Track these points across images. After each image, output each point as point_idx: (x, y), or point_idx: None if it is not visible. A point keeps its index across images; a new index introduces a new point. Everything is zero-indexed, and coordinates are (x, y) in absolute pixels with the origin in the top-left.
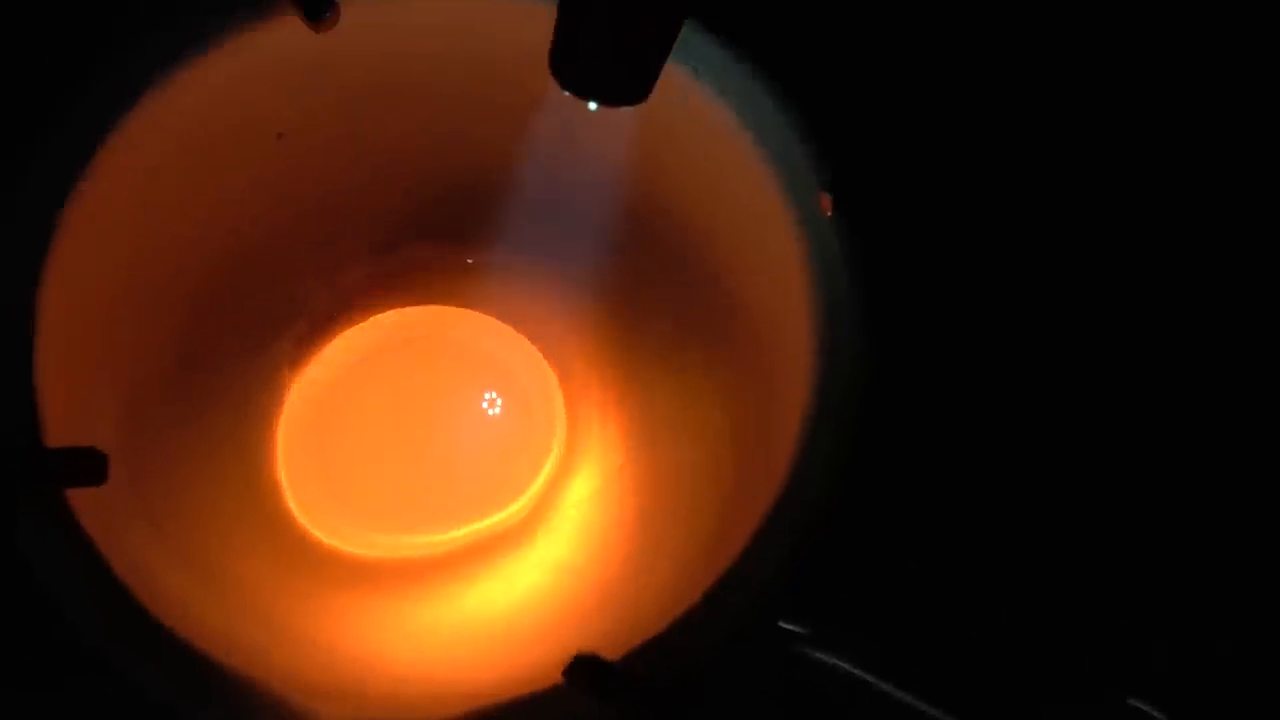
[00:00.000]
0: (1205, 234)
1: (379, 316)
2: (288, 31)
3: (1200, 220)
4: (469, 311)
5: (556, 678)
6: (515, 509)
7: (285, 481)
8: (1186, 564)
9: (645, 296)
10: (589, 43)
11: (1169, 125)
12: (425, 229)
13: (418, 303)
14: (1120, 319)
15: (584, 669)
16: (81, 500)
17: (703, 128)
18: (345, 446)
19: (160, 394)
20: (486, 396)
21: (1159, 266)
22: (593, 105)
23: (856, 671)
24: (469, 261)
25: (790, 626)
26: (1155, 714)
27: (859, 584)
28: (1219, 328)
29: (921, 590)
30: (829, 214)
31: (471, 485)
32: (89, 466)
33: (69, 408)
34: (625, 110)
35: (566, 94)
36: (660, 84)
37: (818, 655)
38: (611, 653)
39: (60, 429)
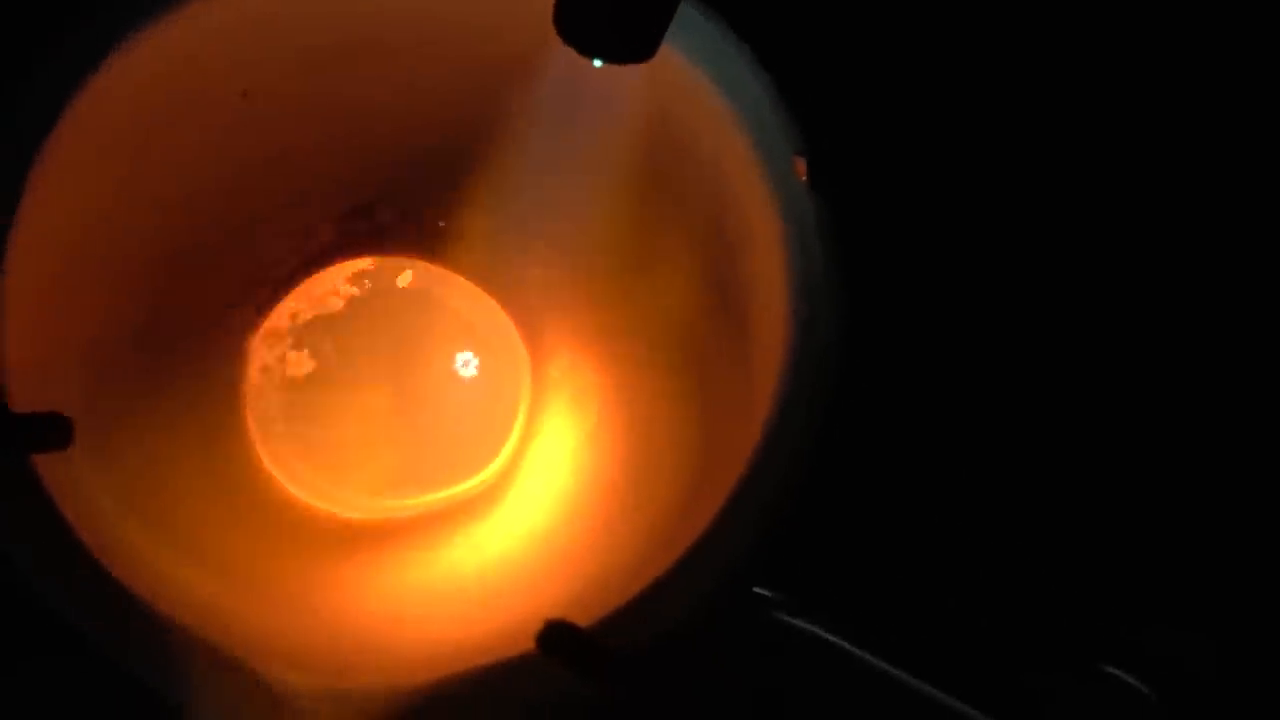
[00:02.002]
0: (1180, 213)
1: (339, 267)
2: None
3: (1176, 199)
4: (433, 266)
5: (529, 644)
6: (484, 475)
7: (256, 442)
8: (1167, 534)
9: (620, 263)
10: None
11: (1143, 96)
12: (396, 191)
13: None
14: (1096, 290)
15: (557, 635)
16: (47, 467)
17: (675, 91)
18: (314, 405)
19: (126, 360)
20: (457, 358)
21: (1131, 239)
22: (597, 63)
23: (831, 637)
24: (440, 224)
25: (764, 592)
26: (1134, 683)
27: (835, 549)
28: (1192, 301)
29: (898, 556)
30: (803, 178)
31: (439, 449)
32: (53, 430)
33: (33, 374)
34: (605, 79)
35: (561, 55)
36: None
37: (792, 621)
38: (584, 619)
39: (24, 396)
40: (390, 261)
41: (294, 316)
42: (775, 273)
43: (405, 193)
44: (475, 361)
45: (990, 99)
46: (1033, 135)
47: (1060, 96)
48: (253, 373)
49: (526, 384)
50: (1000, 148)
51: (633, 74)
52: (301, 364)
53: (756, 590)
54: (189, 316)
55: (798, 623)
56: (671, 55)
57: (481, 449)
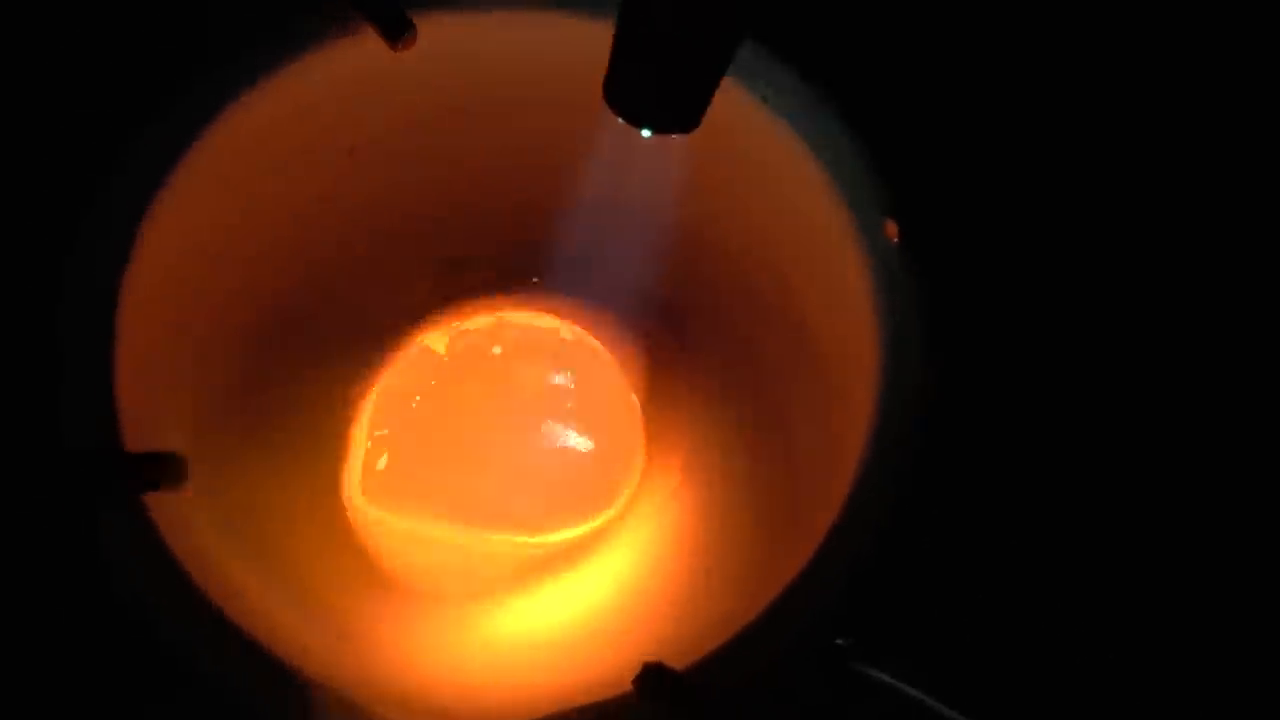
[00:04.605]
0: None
1: (439, 321)
2: (365, 50)
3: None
4: (534, 321)
5: (623, 687)
6: (586, 528)
7: (358, 490)
8: (1248, 600)
9: (711, 320)
10: (642, 71)
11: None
12: (494, 248)
13: None
14: (1181, 352)
15: (653, 678)
16: (158, 507)
17: (772, 154)
18: (415, 458)
19: (232, 405)
20: (561, 415)
21: (1224, 316)
22: (646, 133)
23: (910, 689)
24: (534, 281)
25: (846, 643)
26: None
27: (915, 602)
28: None
29: (977, 610)
30: (895, 241)
31: (544, 499)
32: (169, 470)
33: (146, 415)
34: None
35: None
36: (730, 110)
37: (872, 672)
38: (673, 664)
39: (137, 436)
40: (490, 316)
41: (395, 371)
42: (866, 332)
43: (501, 248)
44: (585, 419)
45: (1082, 153)
46: (1126, 191)
47: (1152, 153)
48: (356, 424)
49: (640, 444)
50: (1094, 211)
51: (680, 142)
52: (403, 420)
53: (839, 641)
54: (296, 362)
55: (877, 674)
56: (766, 117)
57: (587, 501)
